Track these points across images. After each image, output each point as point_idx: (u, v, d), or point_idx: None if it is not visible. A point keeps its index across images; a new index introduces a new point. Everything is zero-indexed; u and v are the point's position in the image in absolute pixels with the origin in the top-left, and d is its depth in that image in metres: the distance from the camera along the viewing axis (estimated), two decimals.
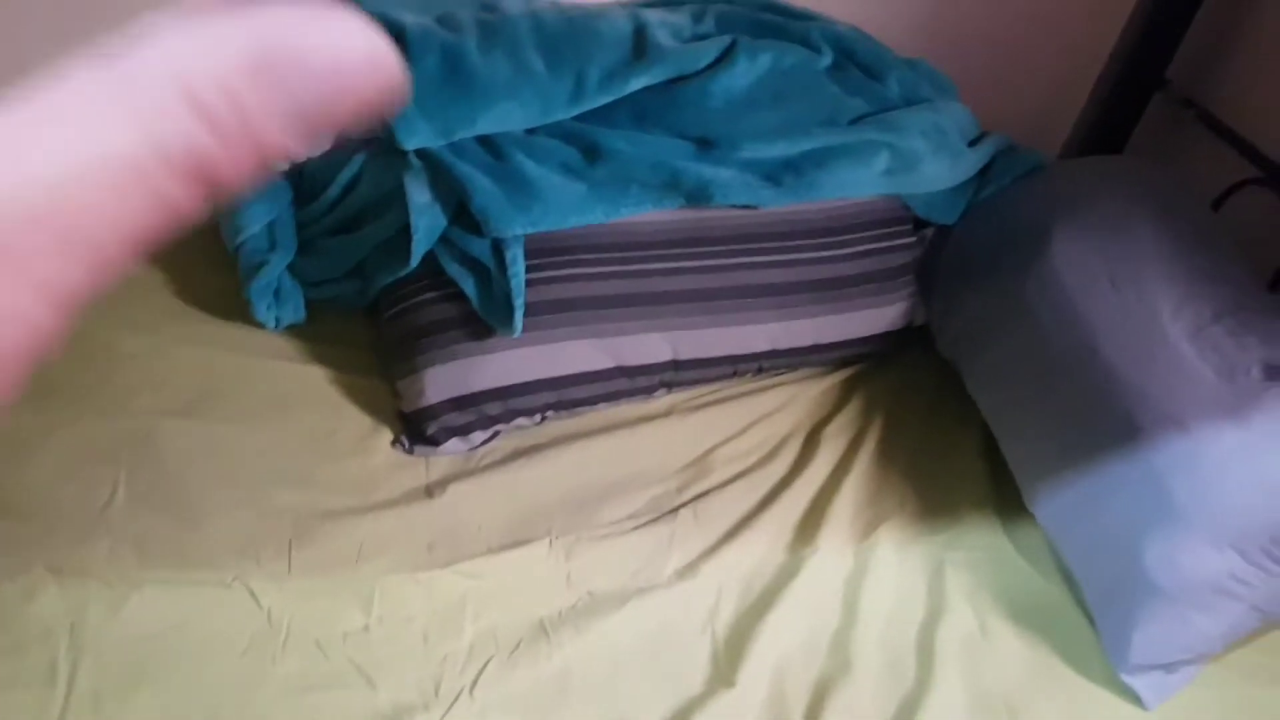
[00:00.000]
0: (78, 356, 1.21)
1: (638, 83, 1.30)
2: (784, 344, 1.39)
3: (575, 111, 1.30)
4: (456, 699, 0.98)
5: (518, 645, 1.04)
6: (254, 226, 1.28)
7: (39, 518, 1.04)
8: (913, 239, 1.48)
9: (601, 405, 1.31)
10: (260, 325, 1.29)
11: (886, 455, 1.35)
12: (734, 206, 1.34)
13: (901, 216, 1.46)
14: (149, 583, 1.00)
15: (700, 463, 1.29)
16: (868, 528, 1.24)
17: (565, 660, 1.03)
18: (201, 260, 1.37)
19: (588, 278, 1.27)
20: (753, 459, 1.32)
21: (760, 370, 1.42)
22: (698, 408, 1.37)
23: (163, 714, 0.92)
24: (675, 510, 1.22)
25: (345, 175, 1.28)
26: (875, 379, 1.47)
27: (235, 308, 1.29)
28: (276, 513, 1.10)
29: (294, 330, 1.32)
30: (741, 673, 1.04)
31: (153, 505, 1.08)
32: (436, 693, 0.98)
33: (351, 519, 1.12)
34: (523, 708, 0.99)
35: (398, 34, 1.21)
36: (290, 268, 1.31)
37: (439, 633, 1.03)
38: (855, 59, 1.46)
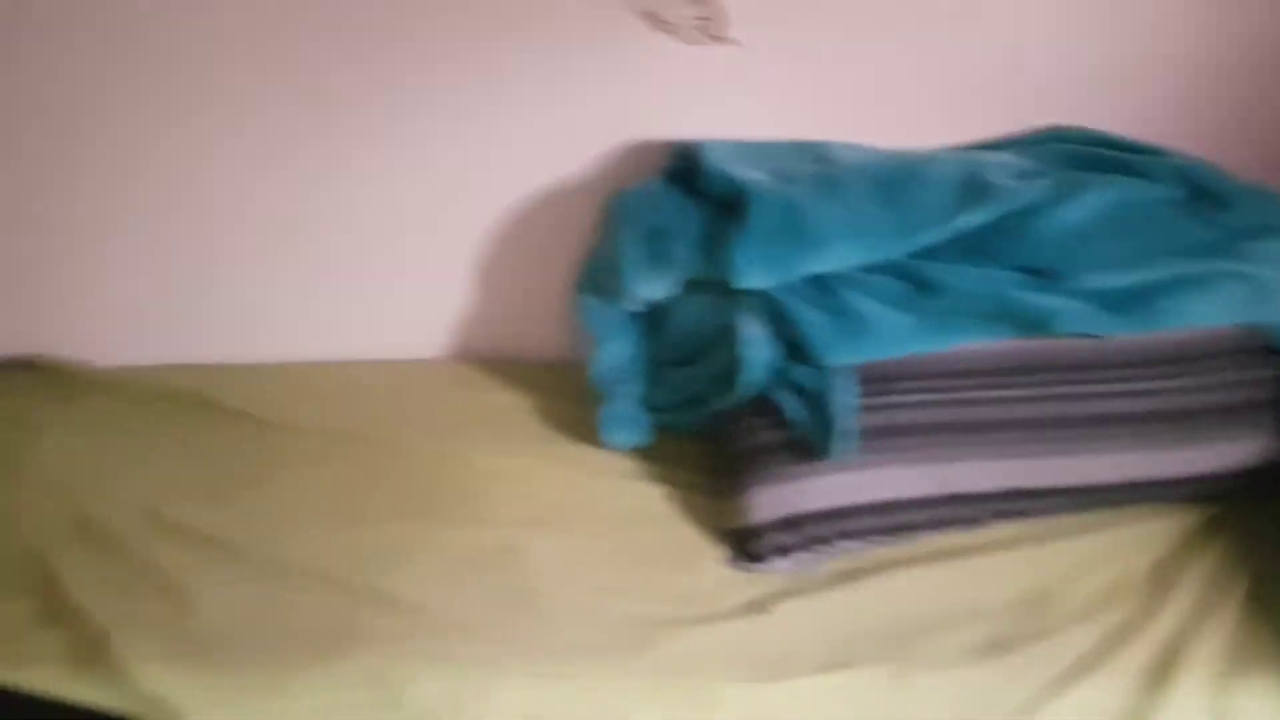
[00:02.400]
0: (453, 476, 1.40)
1: (968, 222, 1.35)
2: (1127, 477, 1.34)
3: (905, 250, 1.36)
4: None
5: None
6: (609, 361, 1.44)
7: (422, 611, 1.20)
8: (1274, 371, 1.38)
9: (928, 532, 1.32)
10: (611, 448, 1.44)
11: (1251, 605, 1.24)
12: (1071, 335, 1.33)
13: (1260, 347, 1.37)
14: (518, 673, 1.12)
15: (1037, 599, 1.25)
16: (1227, 680, 1.15)
17: None
18: (565, 391, 1.55)
19: (918, 405, 1.30)
20: (1096, 599, 1.25)
21: (1101, 504, 1.37)
22: (1033, 540, 1.33)
23: None
24: (1010, 647, 1.19)
25: (691, 315, 1.42)
26: (1236, 519, 1.36)
27: (591, 431, 1.45)
28: (622, 619, 1.20)
29: (641, 453, 1.45)
30: None
31: (520, 606, 1.22)
32: None
33: (687, 629, 1.19)
34: None
35: (738, 191, 1.35)
36: (640, 395, 1.45)
37: None
38: (1202, 190, 1.43)
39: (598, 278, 1.48)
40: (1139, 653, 1.18)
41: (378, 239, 1.56)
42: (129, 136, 1.46)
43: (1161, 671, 1.15)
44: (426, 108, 1.46)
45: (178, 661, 1.11)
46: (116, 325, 1.58)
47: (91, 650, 1.12)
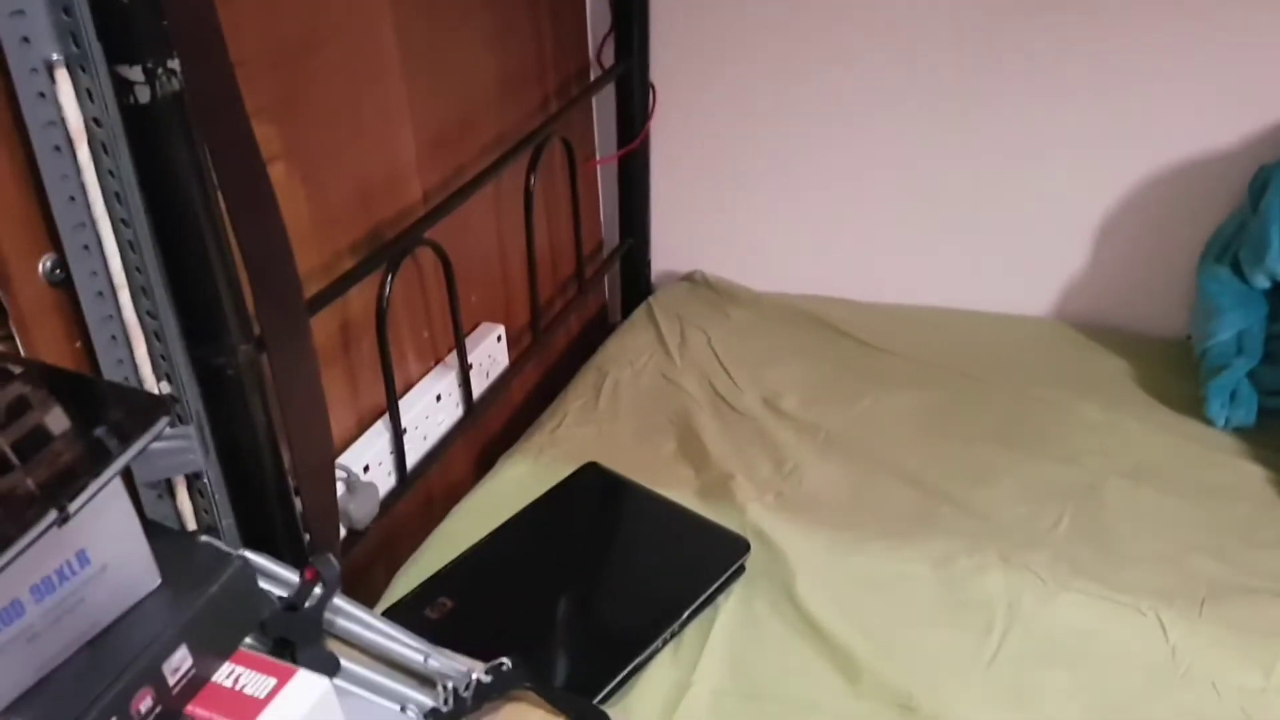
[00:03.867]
0: (1042, 417, 1.48)
1: None
2: None
3: None
4: None
5: None
6: (1225, 333, 1.41)
7: (996, 521, 1.30)
8: None
9: None
10: (1210, 422, 1.41)
11: None
12: None
13: None
14: (1076, 590, 1.18)
15: None
16: None
17: None
18: (1172, 363, 1.55)
19: None
20: None
21: None
22: None
23: (1066, 695, 1.08)
24: None
25: None
26: None
27: (1190, 403, 1.44)
28: (1194, 573, 1.20)
29: (1240, 431, 1.41)
30: None
31: (1090, 537, 1.27)
32: None
33: (1267, 598, 1.16)
34: None
35: None
36: (1250, 374, 1.40)
37: None
38: None
39: (1230, 248, 1.45)
40: None
41: (1003, 196, 1.66)
42: (796, 93, 1.73)
43: None
44: (1078, 71, 1.54)
45: (781, 510, 1.33)
46: (767, 257, 1.88)
47: (716, 486, 1.39)
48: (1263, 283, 1.39)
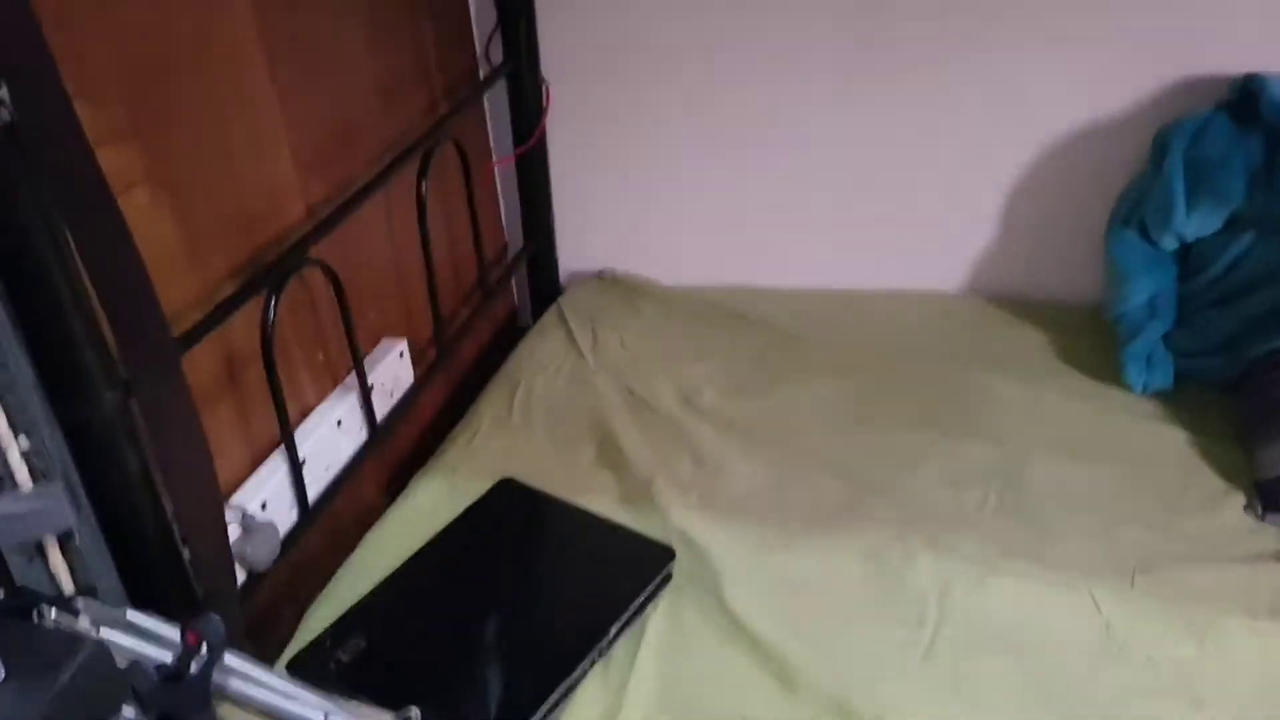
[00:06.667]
0: (961, 396, 1.46)
1: None
2: None
3: None
4: None
5: None
6: (1137, 298, 1.41)
7: (921, 507, 1.28)
8: None
9: None
10: (1128, 388, 1.41)
11: None
12: None
13: None
14: (1007, 572, 1.16)
15: None
16: None
17: None
18: (1086, 330, 1.55)
19: None
20: None
21: None
22: None
23: (1004, 682, 1.06)
24: None
25: (1232, 252, 1.34)
26: None
27: (1107, 370, 1.44)
28: (1123, 545, 1.19)
29: (1159, 395, 1.41)
30: None
31: (1017, 515, 1.25)
32: None
33: (1195, 564, 1.16)
34: None
35: None
36: (1164, 337, 1.40)
37: (1272, 687, 1.02)
38: None
39: (1136, 212, 1.44)
40: None
41: (907, 171, 1.64)
42: (691, 82, 1.68)
43: None
44: (968, 38, 1.52)
45: (704, 511, 1.29)
46: (675, 250, 1.83)
47: (638, 491, 1.34)
48: (1170, 244, 1.39)
